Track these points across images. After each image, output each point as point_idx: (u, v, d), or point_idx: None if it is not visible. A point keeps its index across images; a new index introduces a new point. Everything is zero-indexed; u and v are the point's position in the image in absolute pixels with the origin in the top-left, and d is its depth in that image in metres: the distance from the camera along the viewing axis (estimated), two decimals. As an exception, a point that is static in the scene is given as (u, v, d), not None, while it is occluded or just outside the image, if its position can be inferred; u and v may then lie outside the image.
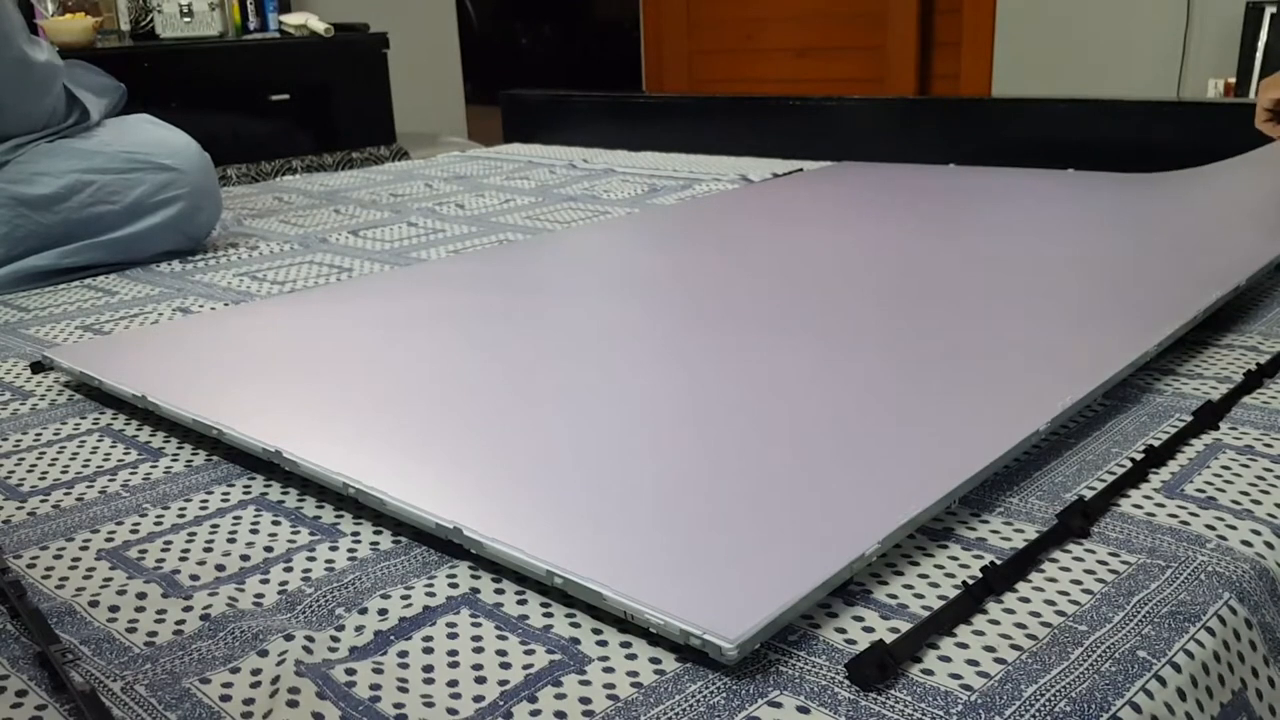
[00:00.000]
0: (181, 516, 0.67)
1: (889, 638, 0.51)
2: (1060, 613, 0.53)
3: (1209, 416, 0.75)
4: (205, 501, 0.69)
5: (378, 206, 1.71)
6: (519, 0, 6.47)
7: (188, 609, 0.56)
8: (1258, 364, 0.84)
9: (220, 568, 0.61)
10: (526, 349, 0.92)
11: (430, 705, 0.48)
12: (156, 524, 0.66)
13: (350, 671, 0.50)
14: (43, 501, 0.70)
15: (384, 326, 1.00)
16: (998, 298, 1.00)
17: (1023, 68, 3.25)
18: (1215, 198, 1.40)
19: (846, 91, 2.16)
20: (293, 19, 3.12)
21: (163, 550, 0.63)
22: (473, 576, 0.58)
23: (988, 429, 0.69)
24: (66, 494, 0.71)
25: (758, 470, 0.66)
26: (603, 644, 0.52)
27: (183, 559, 0.62)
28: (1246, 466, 0.68)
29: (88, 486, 0.72)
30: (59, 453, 0.78)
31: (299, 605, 0.56)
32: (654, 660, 0.50)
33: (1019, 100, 1.92)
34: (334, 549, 0.62)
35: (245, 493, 0.70)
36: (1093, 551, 0.59)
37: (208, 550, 0.63)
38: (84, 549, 0.63)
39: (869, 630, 0.52)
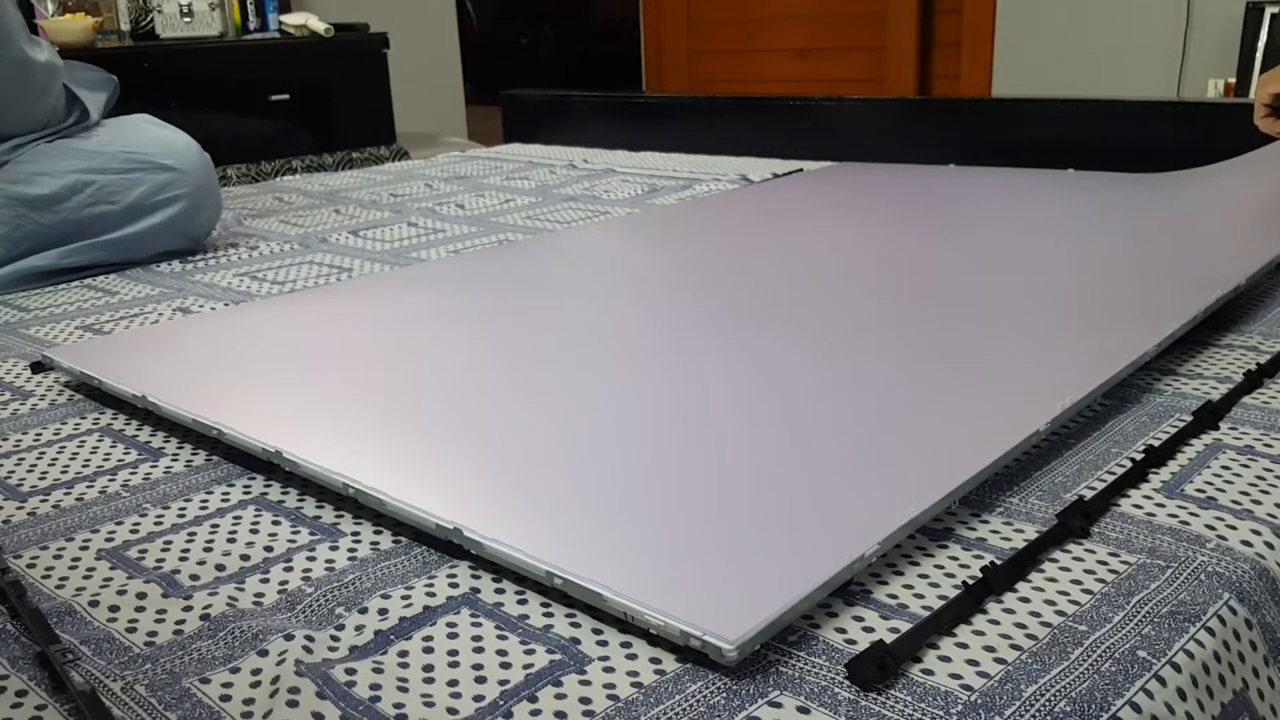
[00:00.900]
0: (181, 516, 0.67)
1: (889, 638, 0.51)
2: (1060, 613, 0.53)
3: (1209, 416, 0.75)
4: (205, 501, 0.69)
5: (378, 206, 1.71)
6: (519, 0, 6.47)
7: (188, 609, 0.56)
8: (1258, 364, 0.84)
9: (220, 568, 0.61)
10: (526, 349, 0.92)
11: (430, 705, 0.48)
12: (156, 524, 0.66)
13: (350, 671, 0.50)
14: (43, 501, 0.70)
15: (384, 326, 1.00)
16: (998, 298, 1.00)
17: (1023, 68, 3.25)
18: (1215, 198, 1.40)
19: (846, 91, 2.16)
20: (293, 19, 3.12)
21: (163, 550, 0.63)
22: (473, 576, 0.58)
23: (988, 429, 0.69)
24: (66, 494, 0.71)
25: (757, 471, 0.66)
26: (603, 644, 0.52)
27: (183, 559, 0.62)
28: (1246, 466, 0.68)
29: (88, 486, 0.72)
30: (59, 453, 0.78)
31: (299, 605, 0.56)
32: (654, 660, 0.50)
33: (1019, 100, 1.92)
34: (334, 549, 0.62)
35: (245, 493, 0.70)
36: (1093, 551, 0.59)
37: (208, 550, 0.63)
38: (84, 549, 0.63)
39: (869, 630, 0.52)
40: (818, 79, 3.86)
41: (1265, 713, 0.54)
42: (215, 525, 0.66)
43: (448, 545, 0.61)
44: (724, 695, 0.48)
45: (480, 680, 0.49)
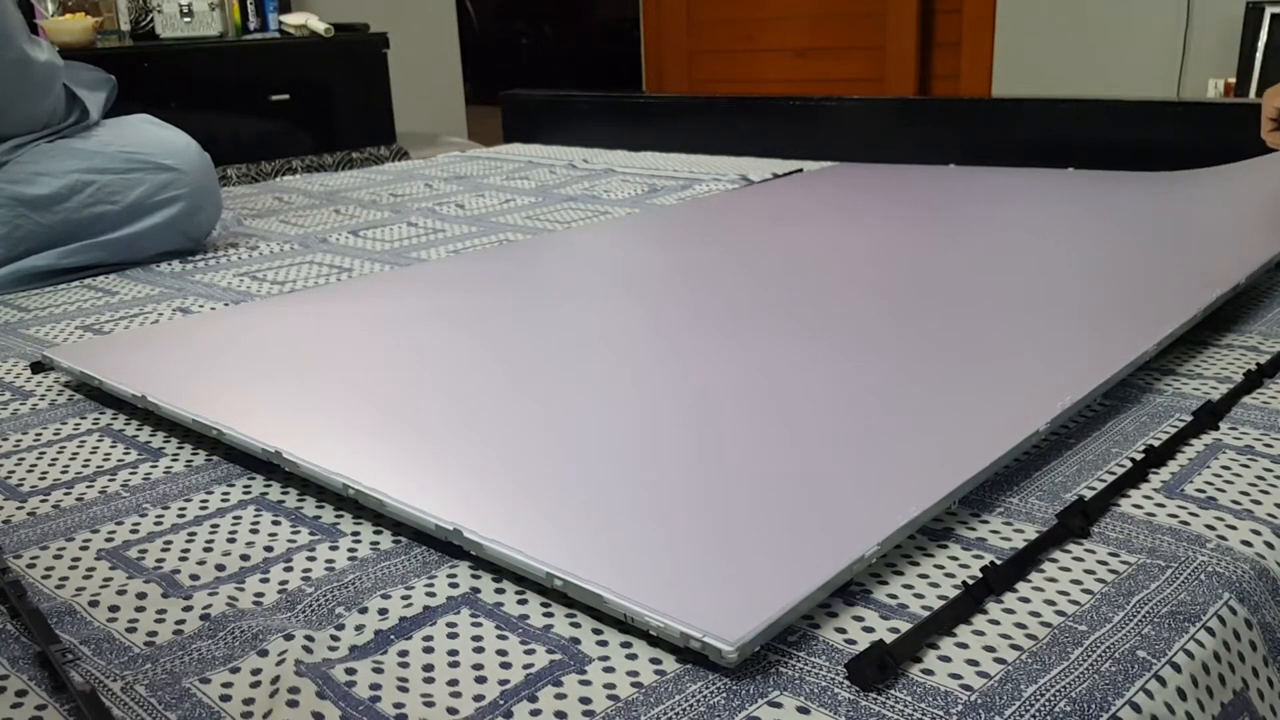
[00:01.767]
0: (181, 516, 0.67)
1: (889, 638, 0.51)
2: (1060, 613, 0.53)
3: (1209, 416, 0.75)
4: (205, 501, 0.69)
5: (378, 206, 1.71)
6: (519, 0, 6.47)
7: (188, 609, 0.56)
8: (1258, 364, 0.84)
9: (220, 568, 0.61)
10: (526, 349, 0.92)
11: (430, 705, 0.48)
12: (156, 524, 0.66)
13: (350, 671, 0.50)
14: (43, 501, 0.70)
15: (384, 326, 1.00)
16: (997, 298, 1.00)
17: (1023, 68, 3.25)
18: (1215, 197, 1.40)
19: (846, 91, 2.16)
20: (293, 19, 3.12)
21: (163, 550, 0.63)
22: (473, 576, 0.58)
23: (988, 429, 0.69)
24: (66, 494, 0.71)
25: (757, 471, 0.66)
26: (603, 644, 0.52)
27: (183, 559, 0.62)
28: (1246, 466, 0.68)
29: (88, 486, 0.72)
30: (59, 453, 0.78)
31: (299, 605, 0.56)
32: (654, 660, 0.50)
33: (1019, 100, 1.92)
34: (334, 549, 0.62)
35: (245, 493, 0.70)
36: (1093, 551, 0.59)
37: (208, 550, 0.63)
38: (84, 549, 0.63)
39: (869, 630, 0.52)
40: (818, 79, 3.86)
41: (1265, 713, 0.54)
42: (215, 525, 0.66)
43: (448, 545, 0.61)
44: (724, 695, 0.48)
45: (480, 680, 0.49)
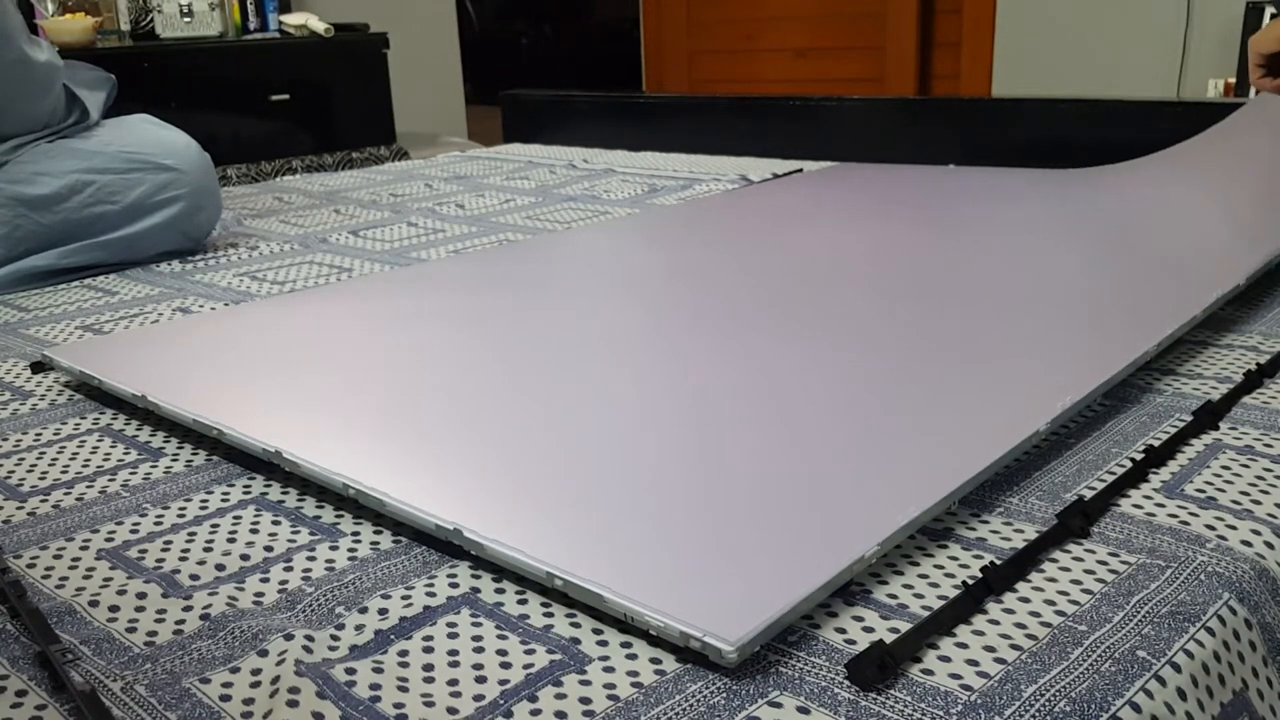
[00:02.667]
0: (181, 516, 0.67)
1: (889, 638, 0.51)
2: (1060, 613, 0.53)
3: (1209, 416, 0.75)
4: (205, 501, 0.69)
5: (378, 206, 1.71)
6: (519, 0, 6.47)
7: (188, 609, 0.56)
8: (1258, 364, 0.84)
9: (220, 567, 0.61)
10: (527, 349, 0.92)
11: (430, 705, 0.48)
12: (156, 524, 0.66)
13: (350, 671, 0.50)
14: (43, 501, 0.70)
15: (384, 326, 1.00)
16: (997, 298, 1.00)
17: (1023, 68, 3.25)
18: (1215, 196, 1.40)
19: (846, 91, 2.16)
20: (293, 19, 3.13)
21: (163, 550, 0.63)
22: (473, 576, 0.58)
23: (988, 429, 0.69)
24: (66, 494, 0.71)
25: (758, 472, 0.66)
26: (603, 644, 0.52)
27: (183, 559, 0.62)
28: (1246, 466, 0.68)
29: (88, 486, 0.72)
30: (59, 453, 0.78)
31: (299, 605, 0.56)
32: (654, 660, 0.50)
33: (1019, 100, 1.92)
34: (334, 549, 0.62)
35: (245, 493, 0.70)
36: (1093, 551, 0.59)
37: (208, 550, 0.63)
38: (84, 549, 0.63)
39: (869, 630, 0.52)
40: (818, 79, 3.86)
41: (1265, 712, 0.54)
42: (215, 525, 0.66)
43: (448, 545, 0.61)
44: (724, 695, 0.48)
45: (480, 680, 0.49)
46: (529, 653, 0.51)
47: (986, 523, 0.62)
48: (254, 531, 0.65)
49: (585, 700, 0.48)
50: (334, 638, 0.53)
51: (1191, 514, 0.62)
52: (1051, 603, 0.54)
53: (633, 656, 0.51)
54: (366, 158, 3.11)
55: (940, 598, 0.54)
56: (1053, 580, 0.56)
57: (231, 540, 0.64)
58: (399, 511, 0.62)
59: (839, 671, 0.49)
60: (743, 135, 2.11)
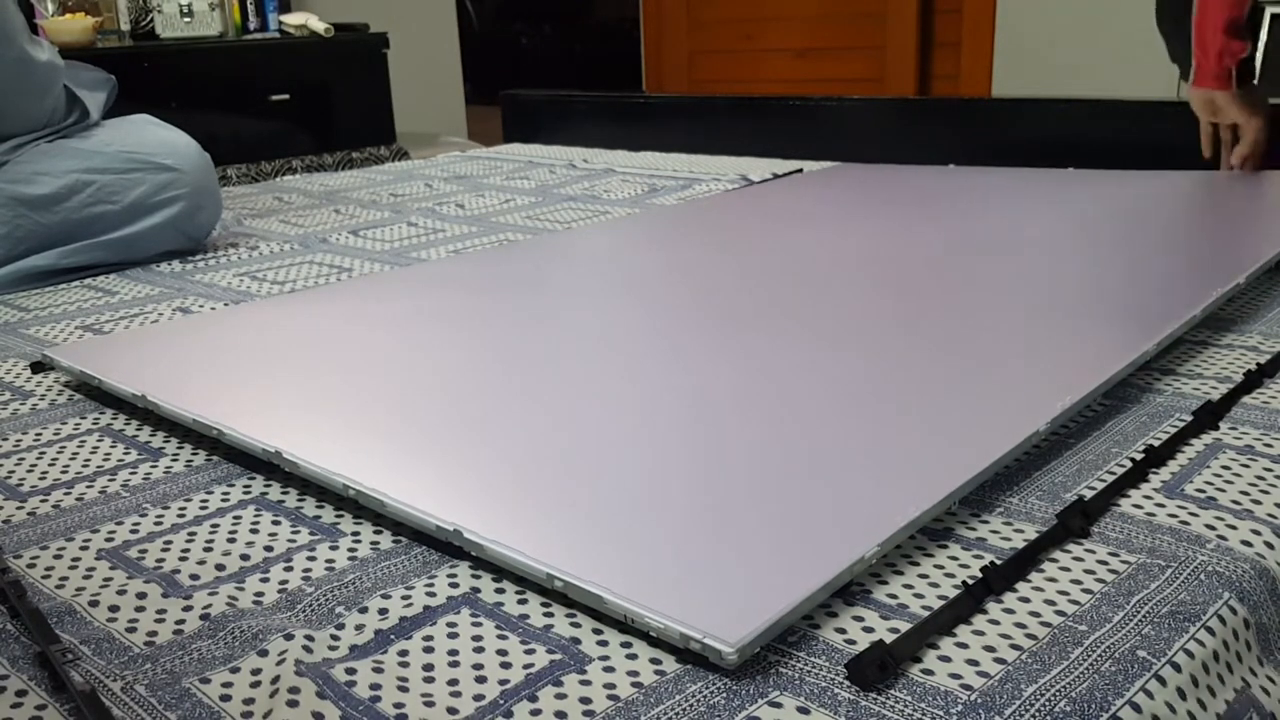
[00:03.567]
0: (181, 516, 0.67)
1: (889, 638, 0.51)
2: (1060, 613, 0.53)
3: (1209, 416, 0.75)
4: (205, 501, 0.69)
5: (378, 206, 1.71)
6: (519, 0, 6.47)
7: (188, 609, 0.56)
8: (1258, 364, 0.84)
9: (220, 567, 0.61)
10: (527, 349, 0.92)
11: (430, 705, 0.48)
12: (156, 524, 0.66)
13: (350, 671, 0.50)
14: (43, 501, 0.70)
15: (384, 326, 1.00)
16: (997, 298, 1.00)
17: (1023, 68, 3.25)
18: (1214, 196, 1.40)
19: (846, 91, 2.16)
20: (293, 19, 3.12)
21: (163, 550, 0.63)
22: (473, 576, 0.58)
23: (988, 429, 0.69)
24: (66, 494, 0.71)
25: (757, 472, 0.66)
26: (603, 644, 0.52)
27: (183, 559, 0.62)
28: (1246, 466, 0.68)
29: (88, 486, 0.72)
30: (59, 453, 0.78)
31: (299, 604, 0.56)
32: (654, 660, 0.50)
33: (1019, 100, 1.92)
34: (334, 548, 0.62)
35: (245, 493, 0.70)
36: (1093, 551, 0.59)
37: (208, 550, 0.63)
38: (84, 549, 0.63)
39: (869, 630, 0.52)
40: (818, 79, 3.85)
41: (1264, 714, 0.54)
42: (215, 525, 0.66)
43: (448, 545, 0.61)
44: (724, 695, 0.48)
45: (480, 680, 0.49)
46: (529, 653, 0.51)
47: (986, 523, 0.62)
48: (254, 531, 0.65)
49: (585, 700, 0.48)
50: (334, 638, 0.53)
51: (1191, 514, 0.62)
52: (1052, 603, 0.54)
53: (633, 656, 0.51)
54: (366, 158, 3.11)
55: (940, 598, 0.54)
56: (1053, 580, 0.56)
57: (231, 540, 0.64)
58: (399, 512, 0.62)
59: (839, 671, 0.49)
60: (743, 135, 2.11)
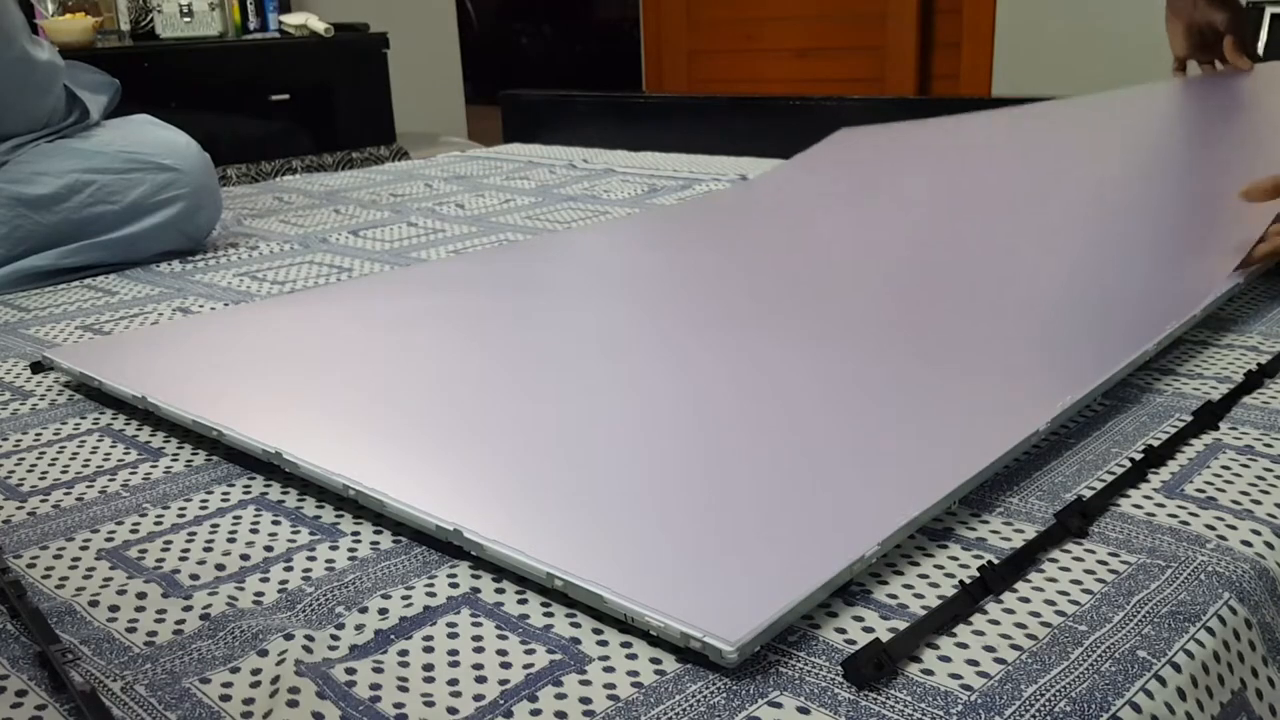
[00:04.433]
0: (181, 516, 0.67)
1: (888, 638, 0.51)
2: (1060, 613, 0.53)
3: (1209, 416, 0.75)
4: (205, 501, 0.69)
5: (378, 206, 1.71)
6: (519, 0, 6.47)
7: (188, 609, 0.56)
8: (1258, 364, 0.84)
9: (220, 567, 0.61)
10: (527, 349, 0.92)
11: (430, 705, 0.48)
12: (156, 524, 0.66)
13: (350, 671, 0.50)
14: (43, 501, 0.70)
15: (384, 326, 1.00)
16: (997, 297, 1.00)
17: (1023, 68, 3.25)
18: (1215, 189, 1.40)
19: (846, 91, 2.16)
20: (293, 19, 3.13)
21: (163, 550, 0.63)
22: (473, 576, 0.58)
23: (988, 429, 0.69)
24: (66, 494, 0.71)
25: (757, 471, 0.66)
26: (603, 644, 0.52)
27: (183, 559, 0.62)
28: (1246, 466, 0.68)
29: (88, 486, 0.72)
30: (59, 453, 0.78)
31: (299, 605, 0.56)
32: (654, 660, 0.50)
33: (1019, 100, 1.92)
34: (334, 548, 0.62)
35: (245, 493, 0.70)
36: (1093, 551, 0.59)
37: (208, 550, 0.63)
38: (84, 549, 0.63)
39: (869, 630, 0.52)
40: (818, 79, 3.86)
41: (1264, 713, 0.54)
42: (215, 525, 0.66)
43: (448, 545, 0.61)
44: (724, 695, 0.48)
45: (480, 680, 0.49)
46: (529, 653, 0.51)
47: (986, 523, 0.62)
48: (254, 531, 0.65)
49: (585, 700, 0.48)
50: (334, 638, 0.53)
51: (1191, 514, 0.62)
52: (1052, 603, 0.54)
53: (633, 656, 0.51)
54: (366, 158, 3.12)
55: (940, 598, 0.54)
56: (1053, 580, 0.56)
57: (231, 540, 0.64)
58: (399, 512, 0.62)
59: (839, 671, 0.49)
60: (743, 135, 2.11)
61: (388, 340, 0.95)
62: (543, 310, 1.04)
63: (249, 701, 0.48)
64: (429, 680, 0.50)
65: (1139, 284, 1.03)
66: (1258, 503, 0.63)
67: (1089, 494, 0.64)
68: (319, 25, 3.08)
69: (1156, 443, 0.71)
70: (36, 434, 0.82)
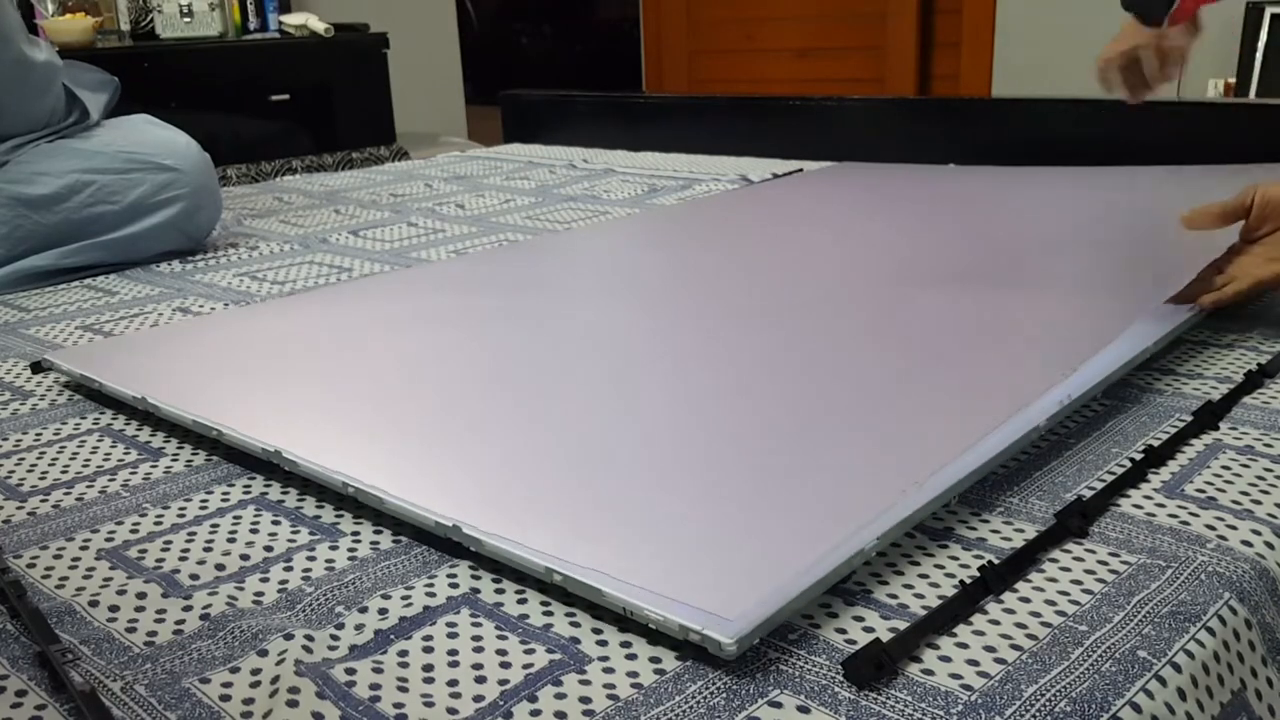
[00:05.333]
0: (181, 516, 0.67)
1: (888, 637, 0.51)
2: (1061, 613, 0.53)
3: (1209, 416, 0.75)
4: (205, 501, 0.69)
5: (378, 206, 1.71)
6: (519, 0, 6.46)
7: (187, 609, 0.56)
8: (1258, 364, 0.84)
9: (220, 567, 0.61)
10: (526, 348, 0.92)
11: (430, 705, 0.48)
12: (156, 524, 0.66)
13: (350, 671, 0.50)
14: (43, 501, 0.70)
15: (384, 327, 1.00)
16: (997, 296, 1.00)
17: (1023, 68, 3.25)
18: (1214, 195, 1.40)
19: (846, 91, 2.15)
20: (293, 19, 3.12)
21: (163, 550, 0.63)
22: (473, 576, 0.58)
23: (987, 426, 0.69)
24: (66, 494, 0.71)
25: (757, 467, 0.66)
26: (603, 643, 0.52)
27: (182, 559, 0.62)
28: (1246, 466, 0.68)
29: (88, 486, 0.72)
30: (59, 453, 0.78)
31: (299, 604, 0.56)
32: (654, 660, 0.50)
33: (1019, 100, 1.92)
34: (334, 548, 0.62)
35: (245, 492, 0.70)
36: (1093, 551, 0.59)
37: (207, 550, 0.63)
38: (84, 549, 0.63)
39: (869, 630, 0.52)
40: (818, 79, 3.85)
41: (1263, 712, 0.54)
42: (215, 525, 0.66)
43: (448, 545, 0.61)
44: (724, 695, 0.48)
45: (480, 680, 0.49)
46: (529, 653, 0.51)
47: (987, 522, 0.62)
48: (254, 531, 0.65)
49: (585, 700, 0.48)
50: (334, 638, 0.53)
51: (1192, 514, 0.62)
52: (1052, 603, 0.54)
53: (632, 656, 0.51)
54: (366, 158, 3.11)
55: (940, 597, 0.54)
56: (1053, 580, 0.56)
57: (231, 540, 0.64)
58: (398, 509, 0.62)
59: (839, 671, 0.49)
60: (743, 135, 2.11)
61: (387, 339, 0.95)
62: (541, 309, 1.04)
63: (249, 701, 0.48)
64: (429, 680, 0.50)
65: (1140, 284, 1.02)
66: (1258, 503, 0.63)
67: (1089, 494, 0.64)
68: (319, 25, 3.08)
69: (1157, 443, 0.71)
70: (37, 434, 0.82)
